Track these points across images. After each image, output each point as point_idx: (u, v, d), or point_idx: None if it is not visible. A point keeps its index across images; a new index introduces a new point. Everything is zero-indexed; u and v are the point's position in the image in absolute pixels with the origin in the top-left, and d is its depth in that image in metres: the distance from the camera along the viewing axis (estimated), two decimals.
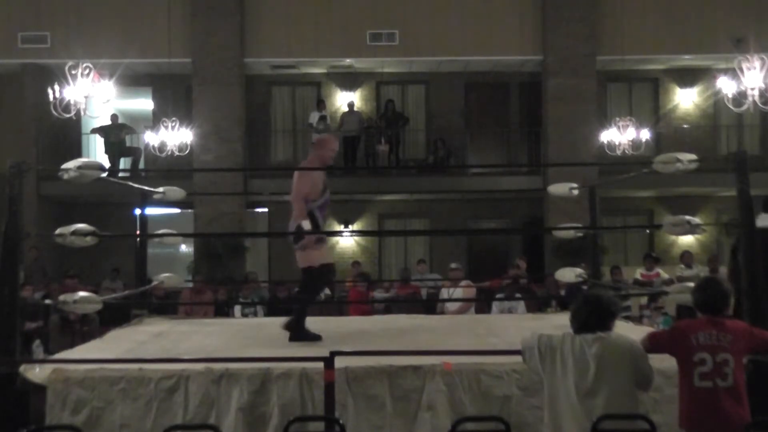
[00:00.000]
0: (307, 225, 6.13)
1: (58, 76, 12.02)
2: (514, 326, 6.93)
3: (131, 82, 15.94)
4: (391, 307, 11.19)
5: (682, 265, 12.68)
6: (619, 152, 14.71)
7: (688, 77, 17.46)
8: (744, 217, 5.22)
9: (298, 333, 6.14)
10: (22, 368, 4.90)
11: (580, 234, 8.64)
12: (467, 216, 17.42)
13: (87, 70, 11.41)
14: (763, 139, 17.60)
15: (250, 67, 16.37)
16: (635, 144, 14.82)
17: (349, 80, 17.53)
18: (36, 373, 4.87)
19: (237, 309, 11.18)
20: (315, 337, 6.16)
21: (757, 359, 4.50)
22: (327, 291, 12.19)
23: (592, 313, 3.98)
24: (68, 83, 11.43)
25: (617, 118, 15.16)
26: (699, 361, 4.01)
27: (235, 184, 15.62)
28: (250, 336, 6.67)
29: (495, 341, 6.05)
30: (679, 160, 5.85)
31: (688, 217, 5.89)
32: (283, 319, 6.43)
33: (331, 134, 7.05)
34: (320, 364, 4.46)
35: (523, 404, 4.73)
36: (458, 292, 10.24)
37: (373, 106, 17.66)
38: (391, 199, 17.36)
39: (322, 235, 6.38)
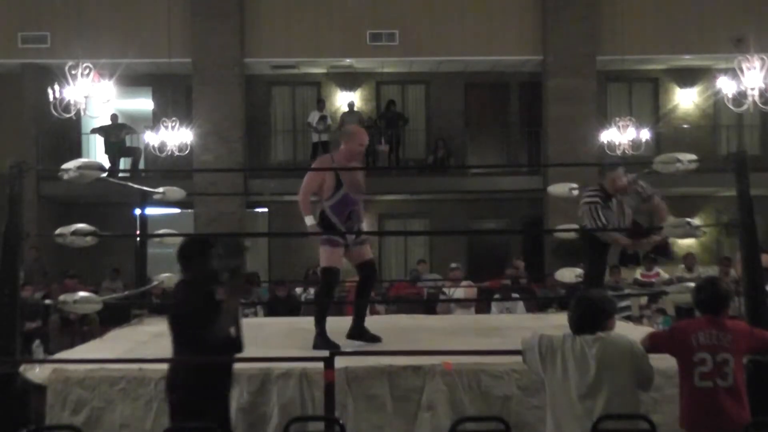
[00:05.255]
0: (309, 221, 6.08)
1: (58, 76, 12.01)
2: (515, 326, 6.93)
3: (131, 82, 15.93)
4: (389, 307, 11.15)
5: (683, 266, 12.63)
6: (619, 152, 14.69)
7: (688, 77, 17.45)
8: (744, 217, 5.22)
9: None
10: (22, 368, 4.90)
11: None
12: (467, 216, 17.40)
13: (87, 70, 11.40)
14: (763, 139, 17.59)
15: (250, 67, 16.36)
16: (635, 144, 14.81)
17: (349, 80, 17.53)
18: (36, 373, 4.87)
19: None
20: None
21: (757, 359, 4.50)
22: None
23: (585, 315, 3.97)
24: (68, 83, 11.43)
25: (617, 118, 15.16)
26: (699, 361, 4.01)
27: (235, 184, 15.62)
28: (250, 336, 6.64)
29: (495, 341, 6.04)
30: (679, 161, 5.84)
31: (688, 219, 5.87)
32: None
33: (360, 127, 6.43)
34: (320, 364, 4.45)
35: (523, 404, 4.72)
36: (458, 292, 10.24)
37: (373, 106, 17.65)
38: (391, 199, 17.34)
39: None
